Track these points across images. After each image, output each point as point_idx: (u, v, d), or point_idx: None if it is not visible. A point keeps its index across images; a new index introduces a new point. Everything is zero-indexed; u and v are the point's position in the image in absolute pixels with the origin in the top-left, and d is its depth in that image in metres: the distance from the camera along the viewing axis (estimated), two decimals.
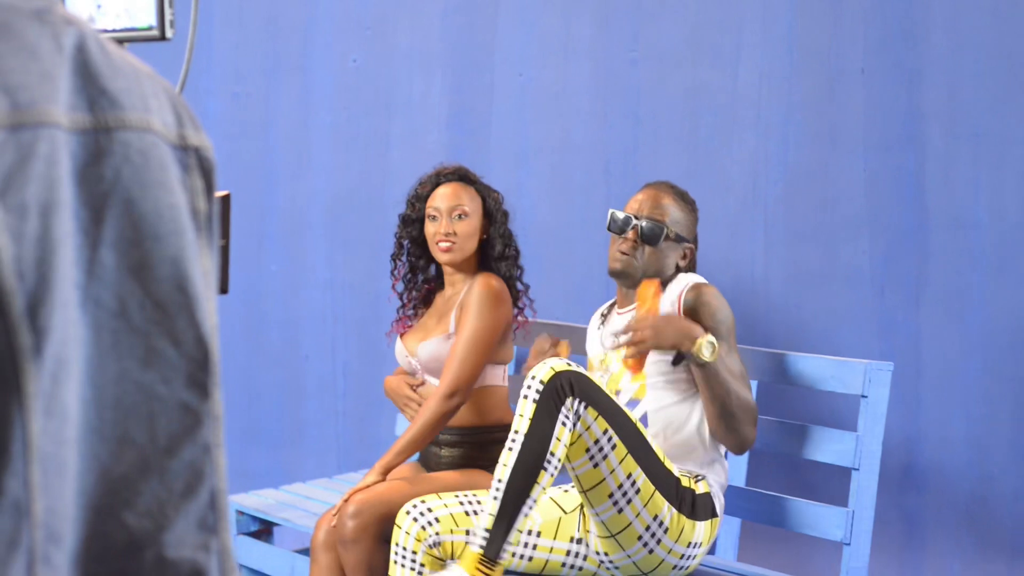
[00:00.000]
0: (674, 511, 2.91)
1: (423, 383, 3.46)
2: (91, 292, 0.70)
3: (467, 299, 3.33)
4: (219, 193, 1.00)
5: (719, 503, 3.03)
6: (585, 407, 2.80)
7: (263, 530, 3.75)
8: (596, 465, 2.84)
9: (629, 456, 2.85)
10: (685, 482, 2.96)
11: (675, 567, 2.96)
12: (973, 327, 3.66)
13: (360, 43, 4.45)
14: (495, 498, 2.77)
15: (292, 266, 4.57)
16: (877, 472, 3.02)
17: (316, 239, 4.53)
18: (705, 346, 2.90)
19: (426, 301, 3.57)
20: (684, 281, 3.11)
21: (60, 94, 0.70)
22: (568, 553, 3.04)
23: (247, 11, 4.59)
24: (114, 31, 1.66)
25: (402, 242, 3.53)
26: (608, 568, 3.00)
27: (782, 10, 3.87)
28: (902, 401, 3.66)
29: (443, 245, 3.37)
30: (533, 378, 2.80)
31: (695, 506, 2.96)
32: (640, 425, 2.92)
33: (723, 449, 3.11)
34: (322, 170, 4.52)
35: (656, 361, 3.06)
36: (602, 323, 3.30)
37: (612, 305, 3.33)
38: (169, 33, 1.65)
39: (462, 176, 3.46)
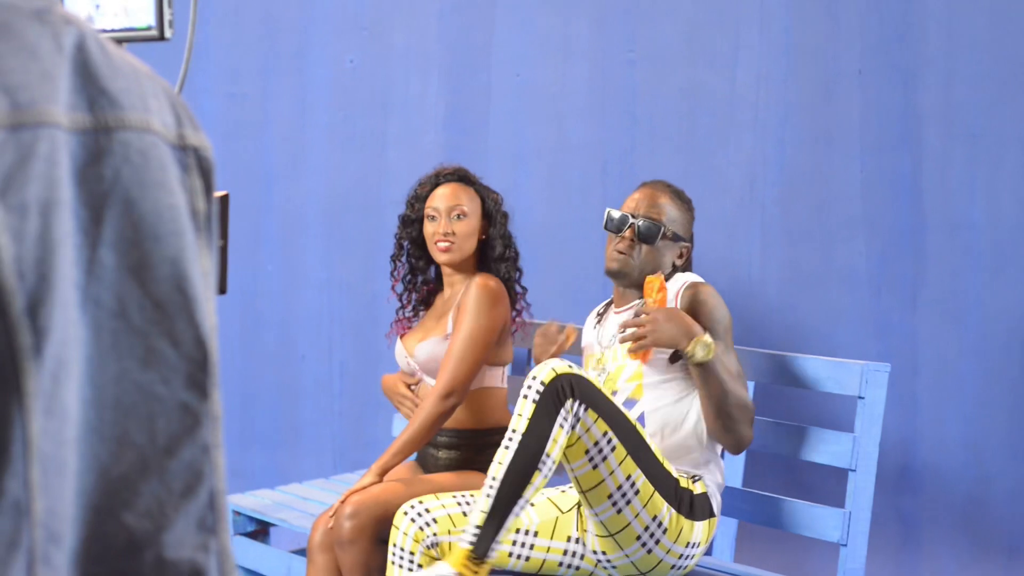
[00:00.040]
0: (673, 511, 2.91)
1: (419, 381, 3.46)
2: (91, 292, 0.70)
3: (464, 299, 3.33)
4: (217, 193, 1.00)
5: (716, 503, 3.03)
6: (585, 409, 2.80)
7: (259, 530, 3.75)
8: (596, 467, 2.84)
9: (629, 458, 2.85)
10: (683, 483, 2.96)
11: (673, 567, 2.96)
12: (970, 328, 3.67)
13: (357, 43, 4.45)
14: (488, 496, 2.76)
15: (288, 266, 4.57)
16: (874, 473, 3.02)
17: (312, 239, 4.53)
18: (699, 347, 2.90)
19: (426, 302, 3.57)
20: (681, 280, 3.11)
21: (60, 94, 0.70)
22: (565, 552, 3.04)
23: (243, 11, 4.59)
24: (112, 31, 1.66)
25: (402, 243, 3.53)
26: (605, 567, 3.00)
27: (779, 11, 3.87)
28: (898, 402, 3.66)
29: (441, 245, 3.37)
30: (534, 379, 2.80)
31: (693, 506, 2.96)
32: (639, 426, 2.92)
33: (720, 449, 3.11)
34: (319, 170, 4.51)
35: (654, 360, 3.06)
36: (598, 322, 3.30)
37: (608, 305, 3.33)
38: (168, 33, 1.65)
39: (462, 177, 3.46)
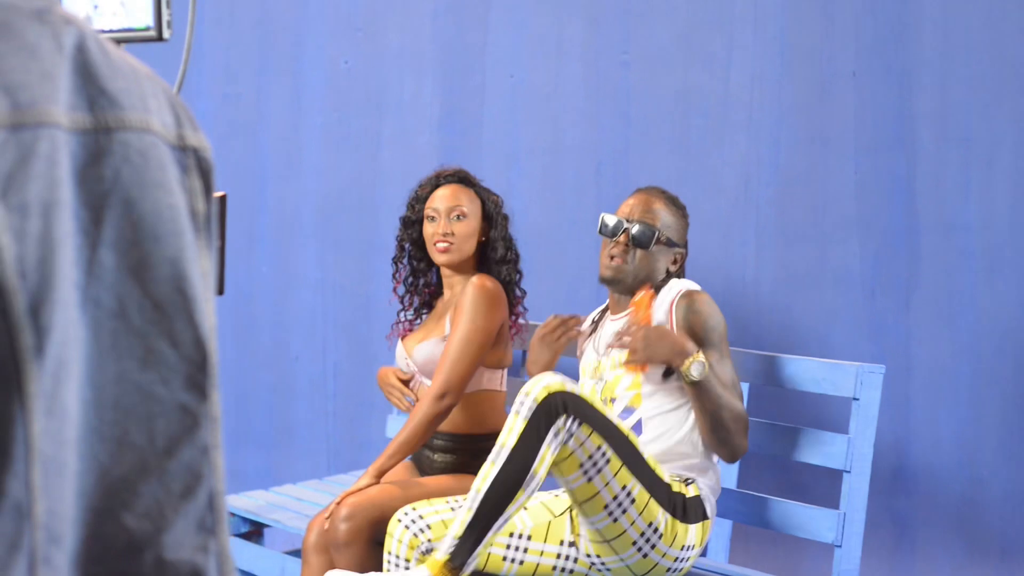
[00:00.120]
0: (668, 516, 2.91)
1: (412, 377, 3.47)
2: (90, 292, 0.70)
3: (461, 300, 3.32)
4: (215, 194, 1.00)
5: (710, 505, 3.04)
6: (578, 424, 2.79)
7: (254, 531, 3.74)
8: (590, 479, 2.84)
9: (624, 468, 2.85)
10: (676, 487, 2.97)
11: (669, 570, 2.97)
12: (963, 329, 3.67)
13: (351, 44, 4.45)
14: (470, 508, 2.77)
15: (283, 267, 4.56)
16: (868, 474, 3.03)
17: (307, 240, 4.53)
18: (694, 367, 2.90)
19: (428, 305, 3.57)
20: (676, 288, 3.10)
21: (60, 94, 0.70)
22: (559, 556, 3.04)
23: (238, 12, 4.58)
24: (111, 31, 1.66)
25: (403, 245, 3.53)
26: (600, 570, 3.00)
27: (773, 12, 3.87)
28: (892, 403, 3.66)
29: (440, 246, 3.37)
30: (527, 395, 2.79)
31: (686, 510, 2.96)
32: (632, 436, 2.92)
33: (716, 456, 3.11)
34: (313, 171, 4.51)
35: (650, 371, 3.06)
36: (594, 330, 3.29)
37: (604, 311, 3.32)
38: (166, 34, 1.65)
39: (462, 178, 3.47)
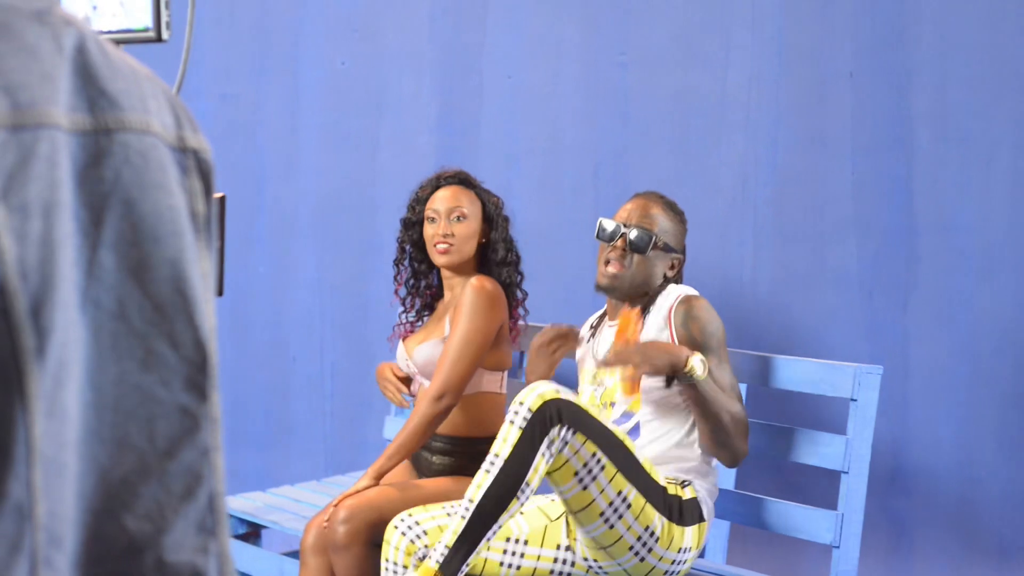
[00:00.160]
0: (664, 520, 2.91)
1: (406, 377, 3.48)
2: (91, 294, 0.70)
3: (460, 301, 3.32)
4: (215, 195, 1.00)
5: (707, 508, 3.03)
6: (573, 433, 2.79)
7: (251, 533, 3.74)
8: (585, 487, 2.83)
9: (619, 474, 2.85)
10: (672, 490, 2.96)
11: (666, 572, 2.96)
12: (961, 330, 3.67)
13: (349, 45, 4.45)
14: (463, 517, 2.76)
15: (280, 267, 4.56)
16: (866, 475, 3.03)
17: (304, 240, 4.53)
18: (697, 365, 2.89)
19: (430, 307, 3.57)
20: (674, 294, 3.10)
21: (60, 95, 0.70)
22: (556, 560, 3.04)
23: (237, 13, 4.58)
24: (110, 32, 1.66)
25: (404, 246, 3.53)
26: (597, 574, 3.00)
27: (771, 13, 3.87)
28: (890, 404, 3.66)
29: (440, 247, 3.37)
30: (521, 404, 2.79)
31: (682, 512, 2.96)
32: (628, 440, 2.91)
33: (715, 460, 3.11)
34: (311, 171, 4.51)
35: (649, 381, 3.06)
36: (592, 336, 3.29)
37: (602, 316, 3.31)
38: (165, 35, 1.64)
39: (462, 180, 3.47)
